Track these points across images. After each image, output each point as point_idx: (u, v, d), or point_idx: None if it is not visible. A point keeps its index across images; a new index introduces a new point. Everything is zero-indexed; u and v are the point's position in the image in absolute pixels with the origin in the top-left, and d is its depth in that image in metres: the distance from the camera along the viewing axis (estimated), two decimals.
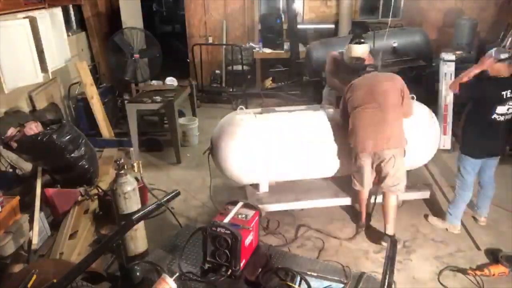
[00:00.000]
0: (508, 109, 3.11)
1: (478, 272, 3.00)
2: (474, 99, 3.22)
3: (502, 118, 3.13)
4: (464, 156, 3.35)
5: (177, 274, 2.22)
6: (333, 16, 8.00)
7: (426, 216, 3.81)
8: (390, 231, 3.41)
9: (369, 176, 3.33)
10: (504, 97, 3.05)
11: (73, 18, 6.45)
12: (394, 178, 3.25)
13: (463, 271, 3.06)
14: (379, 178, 3.33)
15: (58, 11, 4.96)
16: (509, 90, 3.04)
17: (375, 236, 3.54)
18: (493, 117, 3.11)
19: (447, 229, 3.59)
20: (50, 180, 3.97)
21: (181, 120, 5.64)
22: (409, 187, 3.85)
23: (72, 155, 3.82)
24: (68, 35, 5.54)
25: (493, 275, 2.98)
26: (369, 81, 3.27)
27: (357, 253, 3.36)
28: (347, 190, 3.82)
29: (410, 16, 8.00)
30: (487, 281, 2.98)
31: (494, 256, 3.21)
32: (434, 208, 3.95)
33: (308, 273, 2.38)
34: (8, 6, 3.99)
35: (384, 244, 3.32)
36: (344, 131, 3.39)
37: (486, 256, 3.28)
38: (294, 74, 7.22)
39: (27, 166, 4.04)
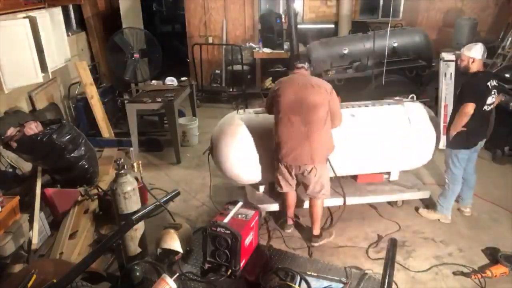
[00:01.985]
0: (492, 98, 3.37)
1: (480, 275, 2.99)
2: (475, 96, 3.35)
3: (489, 108, 3.40)
4: (457, 151, 3.50)
5: (177, 274, 2.23)
6: (333, 16, 8.00)
7: (417, 209, 3.89)
8: (316, 231, 3.42)
9: (290, 180, 3.30)
10: (490, 87, 3.33)
11: (73, 18, 6.46)
12: (317, 185, 3.22)
13: (467, 275, 3.05)
14: (303, 185, 3.31)
15: (58, 11, 4.95)
16: (492, 80, 3.36)
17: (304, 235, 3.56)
18: (483, 108, 3.34)
19: (439, 220, 3.74)
20: (50, 180, 3.97)
21: (181, 120, 5.64)
22: (409, 187, 3.87)
23: (72, 155, 3.82)
24: (68, 35, 5.53)
25: (495, 276, 2.99)
26: (298, 91, 3.09)
27: (357, 253, 3.35)
28: (345, 190, 3.82)
29: (410, 16, 8.01)
30: (489, 281, 2.98)
31: (493, 256, 3.21)
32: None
33: (308, 273, 2.38)
34: (8, 6, 3.99)
35: (315, 244, 3.39)
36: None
37: (486, 256, 3.28)
38: None
39: (27, 166, 4.04)
